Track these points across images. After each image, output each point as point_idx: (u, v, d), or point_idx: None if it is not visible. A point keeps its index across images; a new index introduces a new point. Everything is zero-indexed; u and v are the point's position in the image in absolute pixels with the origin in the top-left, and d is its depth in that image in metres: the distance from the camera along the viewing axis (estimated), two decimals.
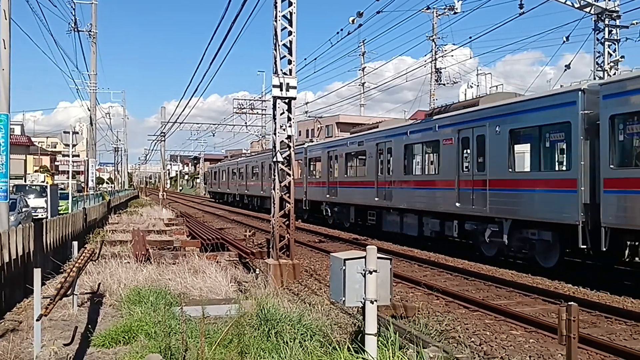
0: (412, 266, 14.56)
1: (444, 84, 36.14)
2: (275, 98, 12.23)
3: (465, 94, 21.25)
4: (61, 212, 23.13)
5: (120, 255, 12.51)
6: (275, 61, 12.04)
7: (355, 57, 52.62)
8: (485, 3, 21.07)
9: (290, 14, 12.17)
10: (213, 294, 9.19)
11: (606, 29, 19.31)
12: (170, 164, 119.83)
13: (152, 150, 73.88)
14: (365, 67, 49.00)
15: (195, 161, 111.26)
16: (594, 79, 18.80)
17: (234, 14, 16.25)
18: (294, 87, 12.05)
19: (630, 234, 10.80)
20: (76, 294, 8.37)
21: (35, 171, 57.20)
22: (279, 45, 12.06)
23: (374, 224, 21.67)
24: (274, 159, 12.32)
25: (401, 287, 11.27)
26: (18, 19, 32.21)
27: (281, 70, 12.05)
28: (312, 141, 32.88)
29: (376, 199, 20.69)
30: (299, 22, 12.18)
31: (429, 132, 17.55)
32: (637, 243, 10.79)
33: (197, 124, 60.32)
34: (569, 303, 4.71)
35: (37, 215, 23.03)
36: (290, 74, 12.15)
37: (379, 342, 5.31)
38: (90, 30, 33.95)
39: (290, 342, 5.76)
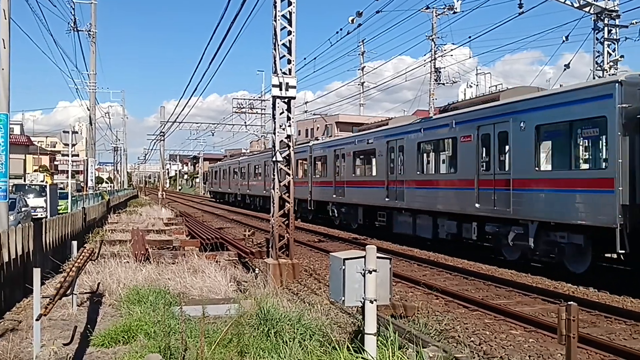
0: (411, 266, 14.56)
1: (443, 84, 36.10)
2: (274, 97, 12.22)
3: (464, 94, 21.30)
4: (60, 211, 23.14)
5: (120, 255, 12.52)
6: (275, 61, 12.04)
7: (354, 57, 52.69)
8: (484, 3, 21.08)
9: (290, 13, 12.16)
10: (212, 294, 9.18)
11: (605, 28, 19.34)
12: (170, 164, 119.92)
13: (152, 149, 73.89)
14: (364, 66, 49.01)
15: (194, 161, 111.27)
16: (594, 78, 18.81)
17: (234, 14, 16.25)
18: (294, 87, 12.04)
19: None
20: (75, 294, 8.37)
21: (35, 171, 57.23)
22: (278, 45, 12.05)
23: (384, 225, 20.86)
24: (274, 159, 12.32)
25: (401, 287, 11.27)
26: (18, 18, 32.25)
27: (280, 69, 12.05)
28: (317, 139, 32.10)
29: (386, 199, 19.87)
30: (298, 21, 12.20)
31: (445, 129, 16.62)
32: None
33: (197, 123, 60.22)
34: (569, 303, 4.70)
35: (37, 215, 23.06)
36: (290, 74, 12.14)
37: (379, 342, 5.31)
38: (89, 30, 33.95)
39: (290, 341, 5.76)
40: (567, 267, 12.40)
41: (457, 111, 16.28)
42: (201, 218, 31.18)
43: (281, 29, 12.13)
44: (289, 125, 12.24)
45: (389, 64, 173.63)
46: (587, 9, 19.36)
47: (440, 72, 35.76)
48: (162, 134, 49.49)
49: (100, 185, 64.47)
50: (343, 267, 5.31)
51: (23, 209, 21.05)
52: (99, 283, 9.75)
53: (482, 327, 8.31)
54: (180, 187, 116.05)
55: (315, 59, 56.71)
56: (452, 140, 16.29)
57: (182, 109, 31.69)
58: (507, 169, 13.83)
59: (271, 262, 11.79)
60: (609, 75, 18.45)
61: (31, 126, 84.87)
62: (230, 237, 17.07)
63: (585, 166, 12.54)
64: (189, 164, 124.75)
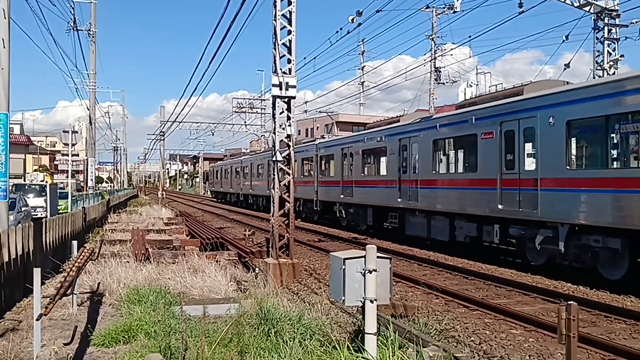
0: (411, 265, 14.56)
1: (443, 83, 36.16)
2: (274, 97, 12.23)
3: (464, 93, 21.18)
4: (60, 211, 23.13)
5: (120, 255, 12.53)
6: (275, 60, 12.04)
7: (354, 56, 52.86)
8: (484, 2, 21.00)
9: (290, 13, 12.16)
10: (213, 294, 9.18)
11: (605, 27, 19.31)
12: (170, 163, 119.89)
13: (152, 149, 73.94)
14: (364, 66, 49.14)
15: (194, 160, 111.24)
16: (594, 77, 18.81)
17: (234, 13, 16.25)
18: (294, 86, 12.04)
19: None
20: (76, 294, 8.37)
21: (35, 170, 57.26)
22: (278, 44, 12.05)
23: (395, 227, 19.99)
24: (274, 158, 12.32)
25: (401, 287, 11.28)
26: (17, 18, 32.19)
27: (280, 69, 12.05)
28: (324, 137, 31.34)
29: (399, 199, 18.98)
30: (298, 21, 12.19)
31: (463, 125, 15.66)
32: None
33: (197, 123, 60.15)
34: (569, 302, 4.71)
35: (37, 215, 23.05)
36: (290, 73, 12.14)
37: (379, 341, 5.32)
38: (89, 30, 33.95)
39: (290, 341, 5.76)
40: (600, 273, 11.62)
41: (477, 106, 15.40)
42: (201, 218, 31.19)
43: (281, 29, 12.13)
44: (289, 125, 12.24)
45: (389, 63, 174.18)
46: (587, 8, 19.35)
47: (440, 71, 35.82)
48: (162, 133, 49.53)
49: (100, 185, 64.43)
50: (343, 267, 5.31)
51: (23, 209, 21.05)
52: (99, 283, 9.75)
53: (482, 326, 8.32)
54: (180, 187, 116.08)
55: (315, 58, 56.88)
56: (472, 137, 15.29)
57: (182, 109, 31.72)
58: (534, 167, 13.01)
59: (271, 262, 11.79)
60: (609, 74, 18.45)
61: (31, 126, 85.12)
62: (230, 236, 17.07)
63: (625, 164, 11.34)
64: (189, 163, 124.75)
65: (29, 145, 50.01)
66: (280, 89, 11.88)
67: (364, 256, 5.26)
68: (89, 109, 35.22)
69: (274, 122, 12.36)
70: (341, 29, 26.83)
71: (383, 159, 21.11)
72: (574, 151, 12.28)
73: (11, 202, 15.65)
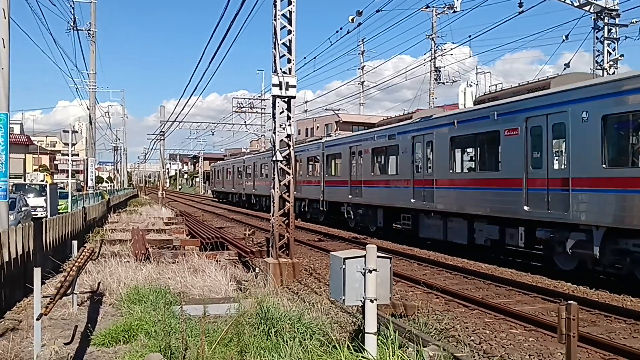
0: (411, 265, 14.56)
1: (443, 83, 36.23)
2: (274, 97, 12.23)
3: (464, 93, 21.08)
4: (60, 211, 23.14)
5: (120, 254, 12.52)
6: (275, 60, 12.04)
7: (354, 56, 52.85)
8: (484, 2, 21.00)
9: (290, 12, 12.16)
10: (213, 293, 9.19)
11: (605, 27, 19.33)
12: (170, 163, 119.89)
13: (152, 149, 73.93)
14: (364, 65, 49.15)
15: (194, 160, 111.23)
16: (594, 77, 18.79)
17: (233, 13, 16.25)
18: (294, 86, 12.05)
19: None
20: (76, 293, 8.37)
21: (35, 170, 57.30)
22: (278, 44, 12.05)
23: (409, 228, 18.98)
24: (274, 158, 12.33)
25: (401, 286, 11.28)
26: (17, 18, 32.16)
27: (280, 69, 12.05)
28: (330, 136, 30.41)
29: (412, 200, 18.07)
30: (298, 20, 12.21)
31: (484, 122, 14.71)
32: None
33: (197, 122, 60.22)
34: (569, 302, 4.71)
35: (37, 215, 23.03)
36: (290, 73, 12.14)
37: (379, 341, 5.32)
38: (89, 30, 33.97)
39: (290, 341, 5.77)
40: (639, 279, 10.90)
41: (499, 101, 14.55)
42: (201, 217, 31.20)
43: (281, 28, 12.13)
44: (289, 125, 12.25)
45: (389, 63, 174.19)
46: (587, 8, 19.37)
47: (440, 71, 35.86)
48: (162, 133, 49.52)
49: (100, 184, 64.46)
50: (343, 267, 5.31)
51: (23, 209, 21.06)
52: (99, 282, 9.76)
53: (482, 326, 8.32)
54: (180, 187, 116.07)
55: (315, 58, 56.89)
56: (494, 133, 14.36)
57: (182, 109, 31.70)
58: (564, 166, 12.19)
59: (271, 262, 11.80)
60: (609, 74, 18.43)
61: (31, 126, 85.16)
62: (230, 236, 17.08)
63: None
64: (189, 163, 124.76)
65: (29, 145, 50.00)
66: (280, 89, 11.89)
67: (364, 256, 5.26)
68: (89, 109, 35.23)
69: (274, 122, 12.36)
70: (341, 28, 26.83)
71: (395, 158, 20.07)
72: (611, 148, 11.31)
73: (11, 201, 15.65)
